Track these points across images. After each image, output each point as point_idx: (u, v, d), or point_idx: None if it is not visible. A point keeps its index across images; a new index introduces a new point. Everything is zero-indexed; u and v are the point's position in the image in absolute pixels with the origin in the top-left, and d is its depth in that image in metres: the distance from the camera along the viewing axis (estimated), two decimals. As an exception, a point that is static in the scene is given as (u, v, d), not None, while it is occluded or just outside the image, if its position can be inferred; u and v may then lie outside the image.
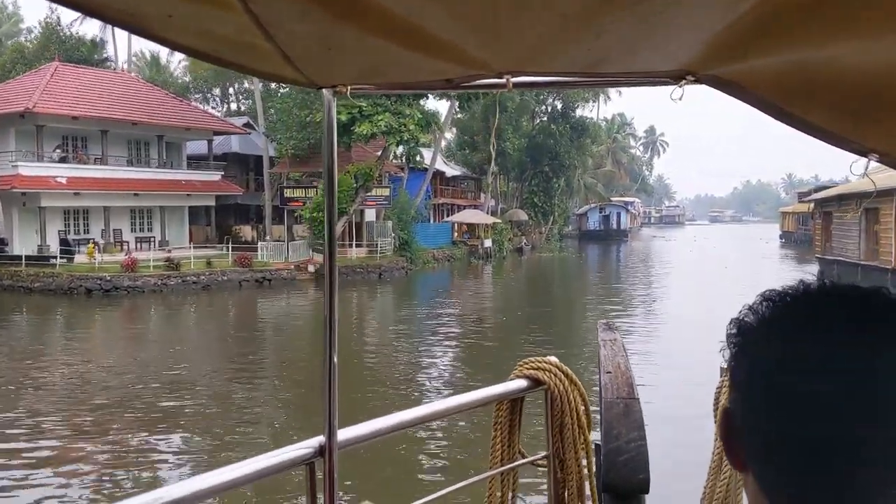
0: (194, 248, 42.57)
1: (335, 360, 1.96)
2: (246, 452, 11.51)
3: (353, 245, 40.82)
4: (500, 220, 61.12)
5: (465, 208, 60.76)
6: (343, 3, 1.05)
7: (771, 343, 0.76)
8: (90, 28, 61.06)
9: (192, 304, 31.51)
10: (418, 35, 1.17)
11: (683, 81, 1.38)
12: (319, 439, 1.92)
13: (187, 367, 18.77)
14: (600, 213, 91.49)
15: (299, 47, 1.34)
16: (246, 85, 63.32)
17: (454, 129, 71.49)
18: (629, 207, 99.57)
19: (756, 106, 1.33)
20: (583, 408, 2.65)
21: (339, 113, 32.32)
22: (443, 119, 51.34)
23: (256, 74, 1.81)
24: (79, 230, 40.84)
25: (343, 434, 1.99)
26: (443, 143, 79.32)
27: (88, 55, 56.93)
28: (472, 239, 57.52)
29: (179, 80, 69.06)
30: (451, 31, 1.19)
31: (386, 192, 42.09)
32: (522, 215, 68.25)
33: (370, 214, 43.48)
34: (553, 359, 2.66)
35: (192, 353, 21.26)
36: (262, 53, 1.33)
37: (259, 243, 39.32)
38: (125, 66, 59.73)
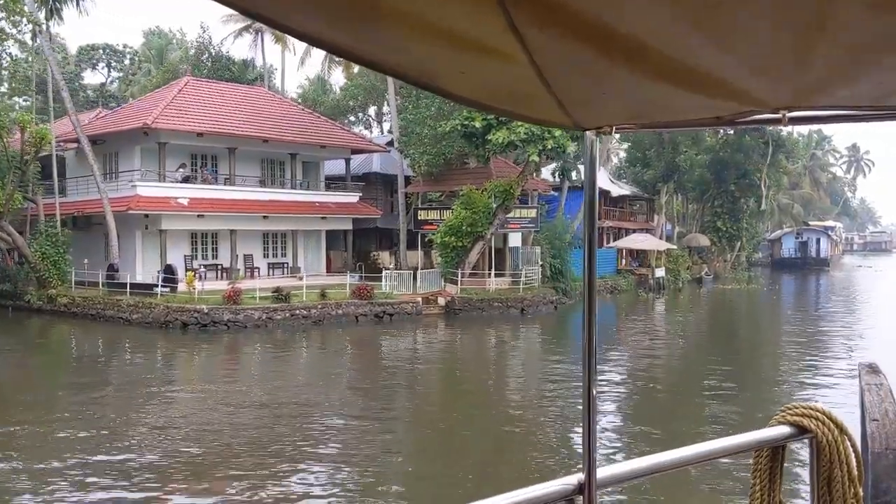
0: (331, 275, 38.82)
1: (594, 392, 1.97)
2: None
3: (492, 274, 34.85)
4: (675, 246, 53.16)
5: (634, 232, 53.25)
6: (623, 50, 1.11)
7: None
8: (240, 50, 60.08)
9: (301, 343, 27.01)
10: (692, 75, 1.20)
11: None
12: (579, 476, 1.92)
13: (293, 436, 13.83)
14: (797, 238, 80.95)
15: (574, 93, 1.42)
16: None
17: (623, 143, 64.23)
18: (830, 233, 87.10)
19: None
20: (854, 460, 2.44)
21: (472, 119, 26.95)
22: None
23: (528, 120, 1.84)
24: (206, 255, 38.13)
25: (602, 472, 1.97)
26: (615, 160, 72.26)
27: (239, 74, 55.72)
28: (641, 267, 50.08)
29: (336, 102, 66.82)
30: (728, 70, 1.21)
31: (532, 213, 35.96)
32: (703, 240, 59.87)
33: (515, 239, 37.45)
34: (819, 405, 2.43)
35: (301, 411, 16.22)
36: (538, 101, 1.45)
37: (383, 272, 34.43)
38: (285, 87, 58.02)
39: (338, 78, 70.81)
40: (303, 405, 17.17)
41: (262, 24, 1.04)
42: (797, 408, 2.43)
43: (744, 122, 1.62)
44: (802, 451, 2.46)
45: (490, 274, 34.62)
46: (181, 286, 30.06)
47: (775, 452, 2.41)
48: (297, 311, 28.89)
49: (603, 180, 50.45)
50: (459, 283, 33.12)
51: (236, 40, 58.61)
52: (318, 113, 48.40)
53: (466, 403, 17.96)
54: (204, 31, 58.51)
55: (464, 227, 32.55)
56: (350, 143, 43.43)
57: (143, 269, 34.95)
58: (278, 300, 28.92)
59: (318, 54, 60.80)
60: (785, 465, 2.41)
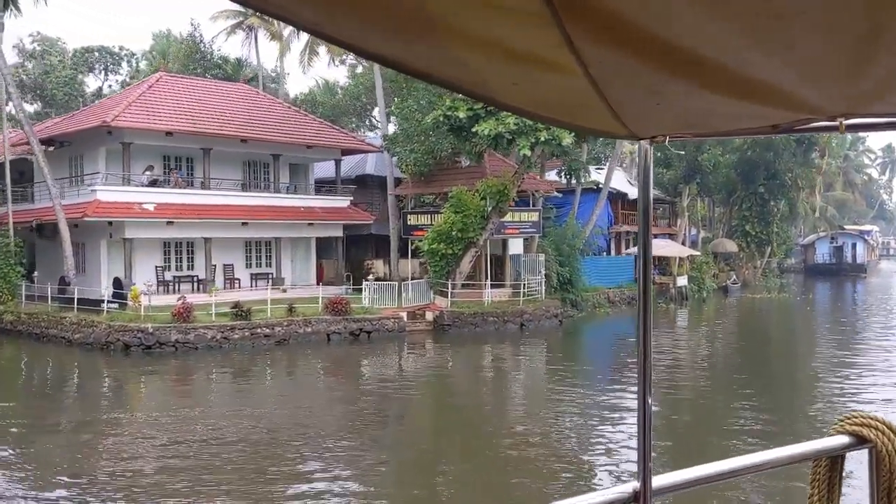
0: (322, 287, 35.28)
1: (650, 400, 1.93)
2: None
3: (489, 285, 30.99)
4: (698, 252, 48.97)
5: (655, 237, 49.03)
6: (679, 61, 1.10)
7: None
8: (233, 48, 57.06)
9: (258, 368, 23.44)
10: (748, 84, 1.20)
11: None
12: (634, 484, 1.87)
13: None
14: (831, 243, 76.24)
15: (628, 104, 1.41)
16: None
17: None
18: (866, 237, 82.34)
19: None
20: None
21: (457, 109, 23.35)
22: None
23: (582, 130, 1.83)
24: (181, 266, 34.82)
25: (657, 480, 1.92)
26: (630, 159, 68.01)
27: (233, 73, 52.71)
28: (662, 275, 45.96)
29: (337, 102, 63.55)
30: (784, 78, 1.20)
31: (534, 216, 32.13)
32: (731, 246, 55.62)
33: (516, 246, 33.58)
34: (879, 415, 2.32)
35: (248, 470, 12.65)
36: (592, 112, 1.45)
37: (364, 283, 30.73)
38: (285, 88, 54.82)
39: (338, 76, 67.33)
40: (249, 461, 13.56)
41: (320, 39, 1.05)
42: (856, 417, 2.31)
43: (800, 129, 1.59)
44: (862, 461, 2.17)
45: (486, 285, 30.81)
46: (130, 302, 26.70)
47: (834, 463, 2.28)
48: (259, 330, 25.38)
49: (620, 181, 46.55)
50: (450, 294, 29.38)
51: (229, 38, 55.39)
52: (319, 114, 45.10)
53: (456, 458, 14.16)
54: (195, 29, 55.29)
55: (454, 233, 28.80)
56: (339, 143, 39.94)
57: (108, 282, 31.70)
58: (237, 317, 25.42)
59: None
60: (843, 475, 2.24)
